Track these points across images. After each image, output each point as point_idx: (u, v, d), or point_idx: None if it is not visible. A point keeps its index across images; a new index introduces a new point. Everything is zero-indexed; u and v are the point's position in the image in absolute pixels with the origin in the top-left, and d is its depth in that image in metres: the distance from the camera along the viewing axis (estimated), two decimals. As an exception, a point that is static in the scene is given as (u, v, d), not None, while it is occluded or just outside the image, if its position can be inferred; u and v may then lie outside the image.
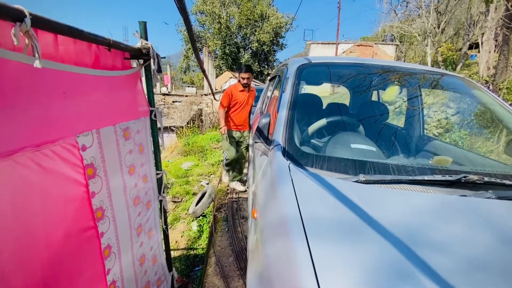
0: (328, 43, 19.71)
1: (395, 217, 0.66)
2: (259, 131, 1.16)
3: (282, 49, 27.23)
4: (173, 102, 12.55)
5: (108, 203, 1.03)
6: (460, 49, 16.62)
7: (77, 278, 0.89)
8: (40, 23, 0.62)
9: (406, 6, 17.39)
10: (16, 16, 0.56)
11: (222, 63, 25.13)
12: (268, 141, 1.18)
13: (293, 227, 0.62)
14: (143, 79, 1.32)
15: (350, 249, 0.56)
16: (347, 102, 2.15)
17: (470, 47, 16.44)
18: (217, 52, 24.45)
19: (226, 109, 3.20)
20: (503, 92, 7.15)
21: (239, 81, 3.13)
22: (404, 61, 24.66)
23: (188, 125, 10.26)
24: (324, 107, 1.77)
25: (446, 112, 7.31)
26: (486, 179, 0.83)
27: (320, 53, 19.89)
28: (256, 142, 1.25)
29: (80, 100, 0.84)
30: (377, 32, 26.10)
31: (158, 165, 1.48)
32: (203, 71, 3.09)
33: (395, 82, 1.46)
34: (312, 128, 1.43)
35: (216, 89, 15.54)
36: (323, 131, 1.41)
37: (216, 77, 20.76)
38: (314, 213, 0.66)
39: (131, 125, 1.16)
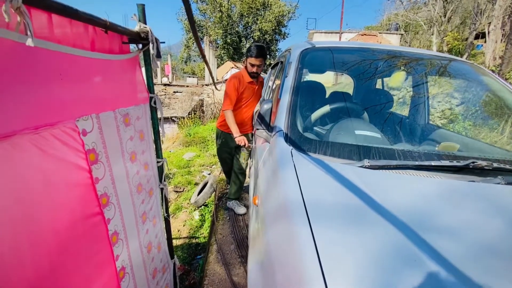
0: (332, 32, 19.33)
1: (401, 202, 0.65)
2: (261, 117, 1.14)
3: (285, 38, 26.79)
4: (174, 92, 12.47)
5: (112, 189, 1.02)
6: (466, 39, 16.26)
7: (86, 263, 0.89)
8: (32, 0, 0.59)
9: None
10: (5, -10, 0.53)
11: (223, 53, 24.80)
12: (270, 127, 1.15)
13: (296, 212, 0.60)
14: (142, 65, 1.28)
15: (355, 235, 0.55)
16: (350, 91, 2.10)
17: (477, 37, 16.09)
18: (218, 42, 24.10)
19: (230, 102, 2.28)
20: (509, 82, 7.03)
21: (245, 67, 2.31)
22: (408, 51, 24.24)
23: (190, 115, 10.22)
24: (327, 95, 1.72)
25: (450, 103, 7.22)
26: (495, 165, 0.81)
27: (323, 42, 19.56)
28: (257, 129, 1.22)
29: (77, 83, 0.82)
30: (382, 21, 25.55)
31: (158, 153, 1.46)
32: (203, 57, 2.59)
33: (401, 68, 1.42)
34: (316, 115, 1.40)
35: (217, 80, 15.39)
36: (327, 118, 1.38)
37: (218, 67, 20.54)
38: (317, 198, 0.64)
39: (131, 111, 1.14)
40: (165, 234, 1.62)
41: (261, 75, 2.44)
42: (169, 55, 21.73)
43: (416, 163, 0.80)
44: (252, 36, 24.50)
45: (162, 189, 1.52)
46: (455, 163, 0.79)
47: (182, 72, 31.05)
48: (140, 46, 1.24)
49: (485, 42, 12.13)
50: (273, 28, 23.99)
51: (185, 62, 28.46)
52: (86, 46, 0.88)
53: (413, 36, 23.82)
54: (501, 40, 11.10)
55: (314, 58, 1.45)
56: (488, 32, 11.24)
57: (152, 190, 1.41)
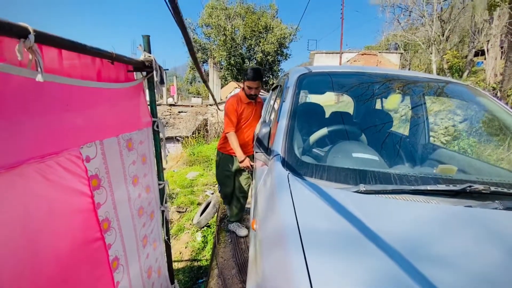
0: (332, 52, 19.88)
1: (396, 229, 0.64)
2: (259, 141, 1.16)
3: (287, 59, 27.54)
4: (179, 112, 12.72)
5: (114, 214, 1.03)
6: (466, 56, 16.53)
7: None
8: (44, 39, 0.64)
9: (409, 15, 17.50)
10: (20, 33, 0.58)
11: (227, 74, 25.52)
12: (268, 151, 1.17)
13: (290, 238, 0.61)
14: (146, 90, 1.34)
15: (348, 262, 0.54)
16: (351, 110, 2.14)
17: (476, 54, 16.34)
18: (222, 63, 24.87)
19: (232, 125, 2.29)
20: (511, 99, 7.03)
21: (242, 89, 2.35)
22: (409, 69, 24.62)
23: (194, 135, 10.35)
24: (327, 115, 1.75)
25: (453, 120, 7.21)
26: (492, 188, 0.80)
27: (324, 62, 20.04)
28: (256, 152, 1.24)
29: (83, 112, 0.86)
30: (381, 41, 26.21)
31: (160, 175, 1.48)
32: (204, 82, 2.68)
33: (397, 90, 1.45)
34: (314, 137, 1.42)
35: (221, 99, 15.73)
36: (325, 140, 1.40)
37: (222, 87, 21.07)
38: (312, 224, 0.65)
39: (134, 136, 1.17)
40: (165, 258, 1.60)
41: (260, 95, 2.48)
42: (174, 76, 22.43)
43: (412, 187, 0.80)
44: (255, 58, 25.26)
45: (163, 212, 1.52)
46: (451, 187, 0.79)
47: (187, 92, 31.83)
48: (145, 73, 1.30)
49: (485, 59, 12.29)
50: (275, 49, 24.76)
51: (190, 82, 29.33)
52: (93, 77, 0.93)
53: (413, 55, 24.30)
54: (501, 57, 11.24)
55: (311, 83, 1.49)
56: (487, 50, 11.42)
57: (153, 212, 1.42)
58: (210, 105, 13.32)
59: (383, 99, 1.69)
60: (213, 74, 14.56)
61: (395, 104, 1.48)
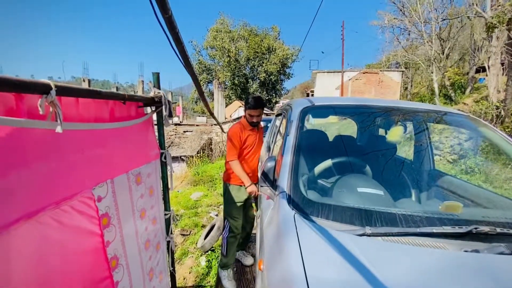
0: (334, 72, 20.27)
1: (401, 278, 0.64)
2: (265, 175, 1.18)
3: (289, 78, 28.15)
4: (184, 132, 12.89)
5: (122, 250, 1.03)
6: (467, 73, 16.67)
7: None
8: (64, 91, 0.69)
9: (409, 35, 17.92)
10: (43, 89, 0.63)
11: (231, 93, 26.06)
12: (274, 185, 1.18)
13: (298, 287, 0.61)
14: (155, 123, 1.38)
15: None
16: (355, 130, 2.16)
17: (477, 71, 16.50)
18: (226, 83, 25.48)
19: (236, 151, 2.28)
20: (516, 117, 6.99)
21: (244, 117, 2.36)
22: (411, 86, 24.82)
23: (198, 154, 10.41)
24: (330, 139, 1.76)
25: (458, 138, 7.16)
26: (498, 230, 0.79)
27: (326, 81, 20.38)
28: (262, 186, 1.25)
29: (95, 153, 0.89)
30: (382, 59, 26.65)
31: (166, 205, 1.49)
32: (211, 114, 2.79)
33: (399, 123, 1.48)
34: (319, 168, 1.43)
35: (225, 118, 15.96)
36: (330, 170, 1.41)
37: (226, 106, 21.48)
38: (319, 274, 0.65)
39: (142, 170, 1.20)
40: (171, 290, 1.58)
41: (265, 112, 2.53)
42: (180, 96, 22.94)
43: (418, 230, 0.80)
44: (258, 77, 25.86)
45: (168, 242, 1.51)
46: (457, 229, 0.79)
47: (192, 111, 32.38)
48: (154, 108, 1.36)
49: (486, 75, 12.39)
50: (278, 69, 25.40)
51: (195, 102, 29.90)
52: (106, 118, 0.98)
53: (414, 72, 24.62)
54: (503, 74, 11.33)
55: (314, 117, 1.53)
56: (488, 67, 11.53)
57: (159, 243, 1.41)
58: (215, 124, 13.51)
59: (386, 130, 1.71)
60: (218, 94, 14.90)
61: (398, 135, 1.50)
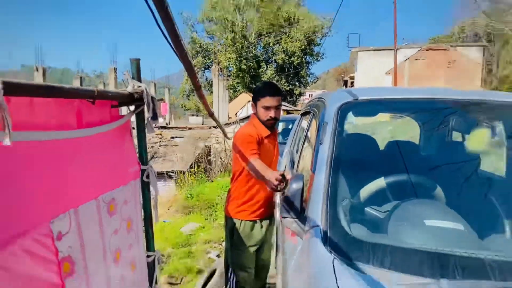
0: (383, 49, 20.16)
1: None
2: (288, 202, 1.17)
3: (319, 60, 28.21)
4: (172, 138, 13.11)
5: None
6: None
7: None
8: (13, 89, 0.72)
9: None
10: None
11: (237, 83, 26.33)
12: (301, 216, 1.17)
13: None
14: (134, 130, 1.42)
15: None
16: (413, 132, 2.12)
17: None
18: (230, 69, 25.78)
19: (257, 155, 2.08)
20: None
21: (254, 114, 2.30)
22: (497, 67, 24.23)
23: (192, 169, 10.53)
24: (382, 147, 1.72)
25: None
26: None
27: (372, 64, 20.26)
28: (284, 217, 1.24)
29: (56, 174, 0.92)
30: (453, 29, 26.24)
31: (150, 244, 1.51)
32: (211, 115, 2.81)
33: (484, 123, 1.44)
34: (366, 191, 1.41)
35: (229, 118, 16.10)
36: (383, 194, 1.38)
37: (230, 100, 21.62)
38: None
39: (117, 195, 1.22)
40: None
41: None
42: (166, 89, 23.42)
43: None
44: (275, 60, 26.04)
45: (153, 298, 1.52)
46: None
47: (184, 109, 32.85)
48: (133, 107, 1.39)
49: None
50: (302, 48, 25.49)
51: (187, 96, 30.28)
52: (72, 123, 1.01)
53: (502, 47, 24.03)
54: None
55: (357, 115, 1.52)
56: None
57: (139, 298, 1.43)
58: (214, 127, 13.65)
59: (465, 134, 1.68)
60: (218, 85, 15.10)
61: (482, 141, 1.45)
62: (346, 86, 31.20)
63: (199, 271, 4.73)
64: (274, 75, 25.80)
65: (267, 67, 26.24)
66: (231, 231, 2.36)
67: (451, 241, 1.03)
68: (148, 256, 1.52)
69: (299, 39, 24.78)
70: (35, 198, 0.83)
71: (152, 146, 10.65)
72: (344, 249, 0.93)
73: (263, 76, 25.51)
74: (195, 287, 4.09)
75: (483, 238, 1.13)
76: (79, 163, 1.04)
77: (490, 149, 1.59)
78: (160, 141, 12.07)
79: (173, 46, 1.17)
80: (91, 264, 1.04)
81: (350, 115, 1.43)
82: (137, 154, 1.45)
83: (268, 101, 2.16)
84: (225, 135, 4.81)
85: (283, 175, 1.63)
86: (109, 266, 1.15)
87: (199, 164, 11.05)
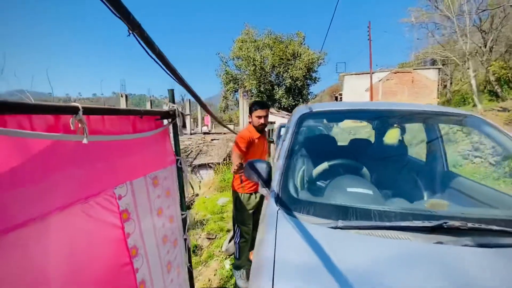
0: (362, 73, 19.63)
1: (355, 263, 0.71)
2: (263, 178, 1.28)
3: (316, 83, 27.81)
4: (212, 140, 13.39)
5: (141, 242, 1.21)
6: (515, 67, 15.10)
7: None
8: (90, 111, 0.89)
9: (445, 29, 16.71)
10: (73, 110, 0.82)
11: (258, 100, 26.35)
12: (269, 186, 1.29)
13: (266, 269, 0.71)
14: (171, 134, 1.57)
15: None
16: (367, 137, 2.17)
17: (528, 63, 14.86)
18: (253, 91, 25.89)
19: (240, 153, 2.35)
20: None
21: (249, 123, 2.48)
22: (450, 84, 22.99)
23: (225, 161, 10.73)
24: (329, 144, 1.82)
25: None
26: (469, 225, 0.81)
27: (355, 83, 19.80)
28: (261, 188, 1.36)
29: (118, 160, 1.08)
30: (413, 58, 25.09)
31: (183, 206, 1.66)
32: (214, 118, 2.90)
33: (395, 125, 1.49)
34: (316, 171, 1.50)
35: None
36: (327, 172, 1.47)
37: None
38: (286, 257, 0.74)
39: (159, 174, 1.38)
40: (188, 285, 1.73)
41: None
42: (209, 106, 23.78)
43: (387, 224, 0.85)
44: (284, 83, 25.92)
45: (185, 240, 1.68)
46: (426, 223, 0.82)
47: (221, 120, 33.19)
48: (170, 120, 1.55)
49: (538, 68, 11.09)
50: (304, 74, 25.23)
51: (224, 111, 30.74)
52: (129, 130, 1.17)
53: (454, 69, 22.76)
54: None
55: (308, 123, 1.61)
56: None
57: (176, 240, 1.58)
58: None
59: (384, 133, 1.72)
60: (243, 102, 15.31)
61: (394, 137, 1.50)
62: (337, 100, 30.49)
63: (228, 230, 4.89)
64: (284, 94, 25.76)
65: (278, 89, 26.18)
66: (235, 200, 2.63)
67: (361, 200, 1.10)
68: (182, 214, 1.67)
69: (301, 68, 24.59)
70: (106, 174, 1.00)
71: (198, 146, 10.93)
72: (286, 204, 1.03)
73: (276, 95, 25.52)
74: (225, 241, 4.25)
75: (388, 199, 1.20)
76: (134, 154, 1.20)
77: (399, 143, 1.63)
78: (203, 142, 12.36)
79: (176, 79, 1.26)
80: (142, 215, 1.20)
81: (306, 122, 1.52)
82: (173, 149, 1.60)
83: (259, 112, 2.37)
84: (232, 131, 4.99)
85: (241, 163, 2.07)
86: (154, 217, 1.31)
87: (229, 157, 11.26)
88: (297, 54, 25.25)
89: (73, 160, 0.87)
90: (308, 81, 27.14)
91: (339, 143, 1.84)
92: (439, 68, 19.11)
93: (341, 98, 25.02)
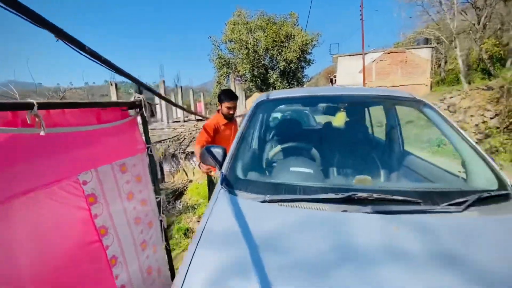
0: (356, 54, 19.40)
1: (268, 230, 0.84)
2: (218, 162, 1.39)
3: (310, 65, 27.41)
4: (206, 126, 13.44)
5: (110, 222, 1.34)
6: (507, 44, 15.01)
7: (89, 281, 1.19)
8: (45, 106, 0.98)
9: (441, 4, 16.36)
10: (28, 106, 0.91)
11: (251, 85, 26.09)
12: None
13: (196, 238, 0.84)
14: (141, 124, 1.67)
15: (217, 252, 0.78)
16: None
17: (520, 40, 14.75)
18: (246, 76, 25.58)
19: (206, 141, 2.40)
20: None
21: (218, 111, 2.56)
22: (445, 63, 22.85)
23: (219, 147, 10.86)
24: (280, 129, 1.95)
25: (483, 116, 6.64)
26: (375, 195, 0.94)
27: (348, 65, 19.63)
28: (218, 171, 1.48)
29: (83, 149, 1.19)
30: (404, 35, 24.70)
31: (156, 190, 1.79)
32: (176, 105, 2.99)
33: (342, 109, 1.60)
34: (268, 153, 1.62)
35: (246, 108, 16.22)
36: (278, 155, 1.59)
37: (246, 98, 21.66)
38: (213, 227, 0.88)
39: (127, 161, 1.49)
40: (166, 260, 1.89)
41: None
42: (202, 93, 23.58)
43: (308, 197, 0.97)
44: (278, 67, 25.57)
45: (161, 221, 1.82)
46: (340, 195, 0.95)
47: (216, 106, 33.02)
48: (138, 110, 1.63)
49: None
50: (298, 57, 24.81)
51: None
52: (93, 121, 1.27)
53: (449, 47, 22.52)
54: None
55: (265, 109, 1.70)
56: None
57: (151, 222, 1.72)
58: (237, 116, 13.78)
59: (332, 116, 1.83)
60: (235, 87, 15.21)
61: (342, 121, 1.60)
62: (332, 83, 30.22)
63: (218, 213, 5.10)
64: (278, 77, 25.49)
65: (272, 72, 25.87)
66: (209, 183, 2.79)
67: (301, 178, 1.24)
68: (156, 198, 1.79)
69: (295, 51, 24.16)
70: (70, 163, 1.11)
71: (191, 133, 11.00)
72: (230, 183, 1.14)
73: (270, 79, 25.26)
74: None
75: (327, 177, 1.33)
76: (99, 143, 1.30)
77: (346, 125, 1.74)
78: (196, 130, 12.40)
79: (113, 70, 1.32)
80: (110, 198, 1.32)
81: (261, 108, 1.62)
82: (142, 138, 1.69)
83: (229, 104, 2.50)
84: (203, 117, 5.15)
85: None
86: (123, 200, 1.43)
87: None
88: (291, 36, 24.72)
89: (35, 151, 0.97)
90: (303, 63, 26.76)
91: (292, 128, 1.95)
92: (432, 47, 18.91)
93: (335, 80, 24.86)
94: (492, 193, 0.96)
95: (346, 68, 19.93)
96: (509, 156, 5.46)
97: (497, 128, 6.06)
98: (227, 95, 2.50)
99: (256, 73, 24.92)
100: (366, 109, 1.78)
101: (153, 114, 1.68)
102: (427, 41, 18.98)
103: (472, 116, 6.91)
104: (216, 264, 0.74)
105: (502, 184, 1.04)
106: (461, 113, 7.13)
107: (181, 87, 17.57)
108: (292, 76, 26.32)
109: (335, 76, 26.11)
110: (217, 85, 28.63)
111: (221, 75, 26.13)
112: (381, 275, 0.65)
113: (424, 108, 1.45)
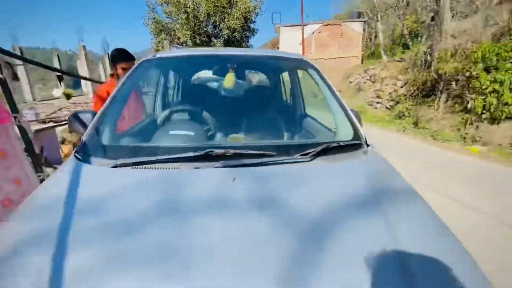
0: (297, 25, 19.55)
1: (99, 194, 0.81)
2: (85, 125, 1.26)
3: (254, 35, 26.82)
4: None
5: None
6: (423, 22, 16.92)
7: None
8: None
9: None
10: None
11: (194, 54, 24.53)
12: None
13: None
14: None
15: (28, 223, 0.74)
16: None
17: (433, 18, 16.74)
18: (188, 43, 23.82)
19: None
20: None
21: (112, 75, 2.23)
22: (375, 37, 24.82)
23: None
24: (164, 88, 1.91)
25: (395, 85, 7.57)
26: (232, 151, 0.97)
27: (290, 35, 19.80)
28: None
29: None
30: (347, 10, 25.90)
31: (37, 167, 1.56)
32: (69, 74, 2.62)
33: (231, 69, 1.59)
34: (161, 114, 1.55)
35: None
36: (167, 117, 1.53)
37: (189, 69, 20.41)
38: (40, 194, 0.83)
39: (-20, 134, 1.23)
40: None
41: None
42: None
43: (162, 157, 0.95)
44: (222, 35, 24.41)
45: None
46: (196, 154, 0.95)
47: (156, 77, 30.38)
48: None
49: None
50: (241, 25, 23.96)
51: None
52: None
53: (378, 22, 24.33)
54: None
55: (148, 68, 1.59)
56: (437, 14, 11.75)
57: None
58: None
59: (222, 77, 1.82)
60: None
61: (232, 82, 1.61)
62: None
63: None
64: (222, 47, 24.43)
65: (216, 41, 24.58)
66: None
67: (180, 141, 1.21)
68: (38, 175, 1.57)
69: (238, 18, 23.15)
70: None
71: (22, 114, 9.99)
72: (86, 150, 1.04)
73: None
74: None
75: (212, 139, 1.34)
76: None
77: (238, 87, 1.76)
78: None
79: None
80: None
81: (144, 68, 1.50)
82: (5, 106, 1.41)
83: (125, 65, 2.17)
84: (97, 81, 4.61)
85: None
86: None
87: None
88: (233, 1, 23.47)
89: None
90: (247, 32, 25.98)
91: (181, 89, 1.89)
92: (364, 21, 20.20)
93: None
94: (342, 143, 1.07)
95: (288, 39, 20.08)
96: (412, 120, 6.40)
97: (405, 95, 6.97)
98: (123, 55, 2.18)
99: (198, 41, 23.35)
100: (256, 69, 1.79)
101: (16, 77, 1.39)
102: (359, 14, 20.15)
103: (387, 85, 7.78)
104: (21, 235, 0.69)
105: (356, 135, 1.17)
106: (379, 83, 7.95)
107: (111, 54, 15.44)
108: (236, 46, 25.51)
109: (278, 48, 26.19)
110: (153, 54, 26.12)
111: (159, 41, 23.77)
112: (198, 224, 0.67)
113: (308, 68, 1.52)
